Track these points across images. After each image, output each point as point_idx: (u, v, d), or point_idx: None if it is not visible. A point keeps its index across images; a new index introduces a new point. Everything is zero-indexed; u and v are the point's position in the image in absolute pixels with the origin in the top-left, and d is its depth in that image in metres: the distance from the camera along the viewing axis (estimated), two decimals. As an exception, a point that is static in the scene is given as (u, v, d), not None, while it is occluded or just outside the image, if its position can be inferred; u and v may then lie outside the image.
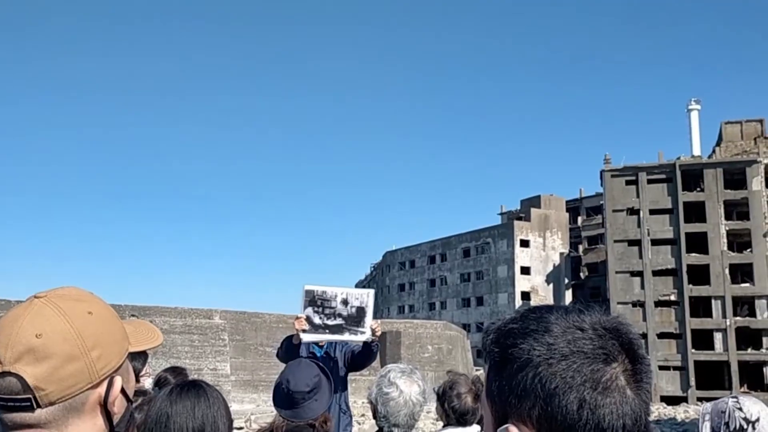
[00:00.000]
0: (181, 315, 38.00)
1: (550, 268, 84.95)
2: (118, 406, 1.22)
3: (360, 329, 5.14)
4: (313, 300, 5.14)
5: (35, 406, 1.12)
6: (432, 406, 3.60)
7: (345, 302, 5.16)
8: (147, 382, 3.77)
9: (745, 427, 2.40)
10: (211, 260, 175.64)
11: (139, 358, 3.81)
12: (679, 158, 69.41)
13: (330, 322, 5.11)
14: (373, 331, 5.20)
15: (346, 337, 5.16)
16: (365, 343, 5.31)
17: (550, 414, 0.92)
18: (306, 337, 5.12)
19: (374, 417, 3.04)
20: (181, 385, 1.94)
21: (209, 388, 1.96)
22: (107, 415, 1.20)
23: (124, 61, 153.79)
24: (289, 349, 5.22)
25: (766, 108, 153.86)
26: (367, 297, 5.24)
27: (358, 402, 26.89)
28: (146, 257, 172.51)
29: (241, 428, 24.35)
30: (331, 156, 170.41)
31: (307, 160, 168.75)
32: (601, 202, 73.80)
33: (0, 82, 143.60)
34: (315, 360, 4.17)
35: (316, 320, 5.10)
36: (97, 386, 1.18)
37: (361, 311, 5.17)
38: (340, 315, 5.13)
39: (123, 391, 1.23)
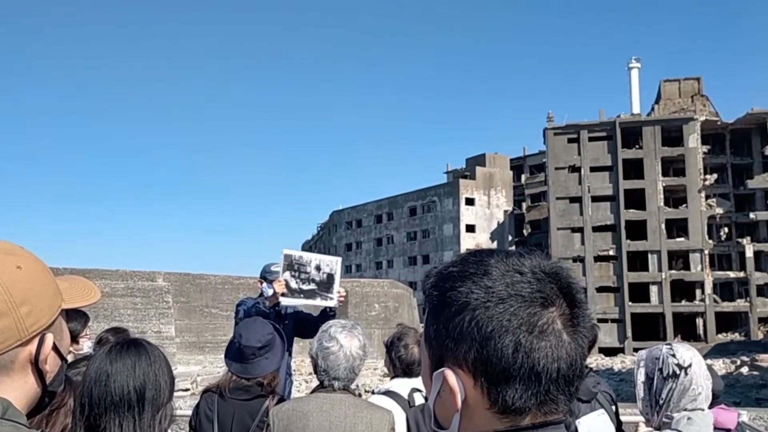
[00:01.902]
0: (123, 278, 37.27)
1: (494, 225, 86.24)
2: (51, 365, 1.18)
3: (329, 295, 5.26)
4: (291, 264, 5.22)
5: None
6: (379, 363, 3.66)
7: (318, 268, 5.28)
8: (86, 345, 3.68)
9: (678, 372, 2.48)
10: (154, 222, 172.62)
11: (79, 319, 3.72)
12: (619, 116, 70.81)
13: (304, 287, 5.22)
14: (341, 297, 5.34)
15: (318, 301, 5.28)
16: (323, 311, 5.42)
17: (486, 357, 0.91)
18: (285, 301, 5.22)
19: (315, 372, 3.07)
20: (121, 343, 1.89)
21: (150, 345, 1.91)
22: (39, 373, 1.16)
23: None
24: (260, 314, 5.24)
25: (704, 66, 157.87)
26: (336, 264, 5.37)
27: (306, 361, 27.04)
28: (86, 219, 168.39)
29: (187, 389, 24.27)
30: (276, 115, 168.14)
31: (253, 119, 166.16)
32: (544, 160, 74.95)
33: None
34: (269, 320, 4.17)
35: (293, 284, 5.19)
36: (27, 344, 1.13)
37: (330, 277, 5.29)
38: (313, 280, 5.24)
39: (56, 349, 1.19)
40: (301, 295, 5.20)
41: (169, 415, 1.81)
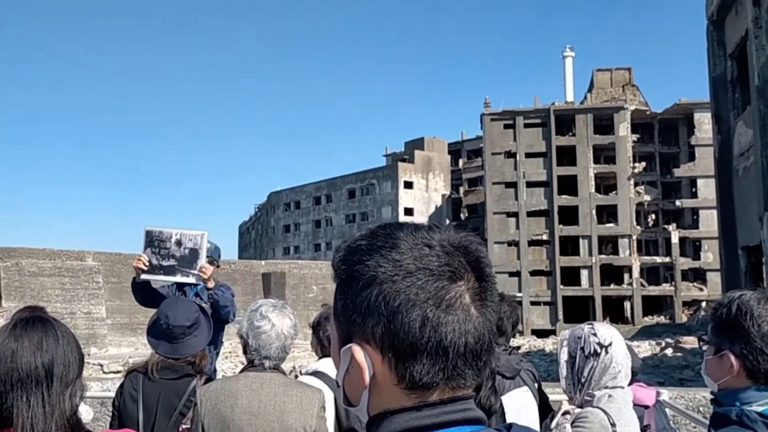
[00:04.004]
0: (51, 257, 36.07)
1: (432, 209, 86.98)
2: None
3: (192, 271, 5.07)
4: (152, 241, 5.08)
5: None
6: (307, 342, 3.65)
7: (179, 243, 5.09)
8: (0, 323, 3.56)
9: (599, 351, 2.55)
10: (85, 200, 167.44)
11: None
12: (553, 104, 72.06)
13: (164, 263, 5.05)
14: (202, 274, 5.05)
15: (178, 278, 5.10)
16: (209, 293, 5.17)
17: (393, 332, 0.88)
18: (144, 277, 5.09)
19: (244, 352, 3.03)
20: (25, 319, 1.83)
21: (56, 322, 1.87)
22: None
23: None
24: (137, 290, 5.18)
25: (635, 56, 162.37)
26: (200, 239, 5.13)
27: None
28: (9, 194, 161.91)
29: (118, 372, 23.76)
30: (216, 94, 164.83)
31: (192, 98, 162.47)
32: (481, 145, 75.74)
33: None
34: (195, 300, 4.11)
35: (153, 261, 5.05)
36: None
37: (194, 253, 5.08)
38: (173, 256, 5.07)
39: None
40: (161, 272, 5.05)
41: (79, 391, 1.78)
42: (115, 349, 34.26)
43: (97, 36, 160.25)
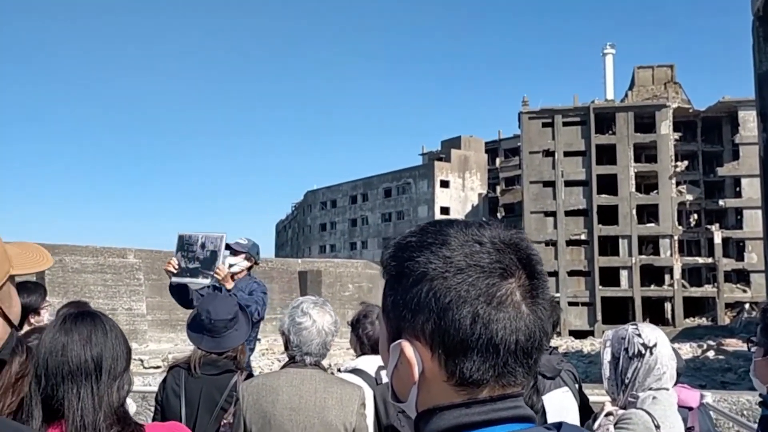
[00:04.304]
0: (93, 254, 36.90)
1: (468, 208, 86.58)
2: None
3: (209, 272, 5.15)
4: (182, 245, 5.21)
5: None
6: (347, 340, 3.67)
7: (203, 246, 5.19)
8: (46, 317, 3.65)
9: (643, 351, 2.51)
10: (126, 199, 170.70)
11: (38, 291, 3.69)
12: (593, 102, 71.11)
13: (190, 266, 5.17)
14: (217, 275, 5.11)
15: (200, 279, 5.19)
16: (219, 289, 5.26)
17: (443, 329, 0.88)
18: (174, 279, 5.20)
19: (285, 348, 3.06)
20: (74, 314, 1.88)
21: (104, 316, 1.92)
22: None
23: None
24: (173, 292, 5.30)
25: (678, 53, 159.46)
26: (219, 241, 5.21)
27: (279, 340, 26.97)
28: (56, 192, 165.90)
29: (158, 367, 24.17)
30: (252, 94, 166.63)
31: (229, 99, 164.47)
32: (519, 144, 75.14)
33: None
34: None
35: (182, 264, 5.18)
36: None
37: (214, 255, 5.17)
38: (197, 258, 5.18)
39: (4, 316, 1.16)
40: (188, 274, 5.15)
41: (126, 384, 1.83)
42: (155, 344, 34.86)
43: (110, 35, 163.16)
